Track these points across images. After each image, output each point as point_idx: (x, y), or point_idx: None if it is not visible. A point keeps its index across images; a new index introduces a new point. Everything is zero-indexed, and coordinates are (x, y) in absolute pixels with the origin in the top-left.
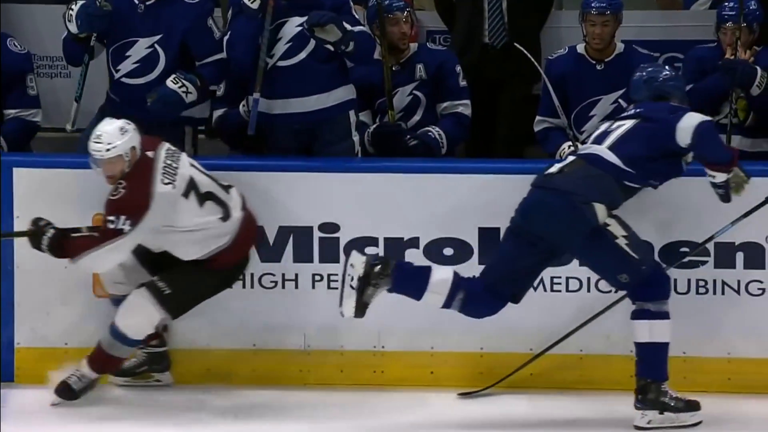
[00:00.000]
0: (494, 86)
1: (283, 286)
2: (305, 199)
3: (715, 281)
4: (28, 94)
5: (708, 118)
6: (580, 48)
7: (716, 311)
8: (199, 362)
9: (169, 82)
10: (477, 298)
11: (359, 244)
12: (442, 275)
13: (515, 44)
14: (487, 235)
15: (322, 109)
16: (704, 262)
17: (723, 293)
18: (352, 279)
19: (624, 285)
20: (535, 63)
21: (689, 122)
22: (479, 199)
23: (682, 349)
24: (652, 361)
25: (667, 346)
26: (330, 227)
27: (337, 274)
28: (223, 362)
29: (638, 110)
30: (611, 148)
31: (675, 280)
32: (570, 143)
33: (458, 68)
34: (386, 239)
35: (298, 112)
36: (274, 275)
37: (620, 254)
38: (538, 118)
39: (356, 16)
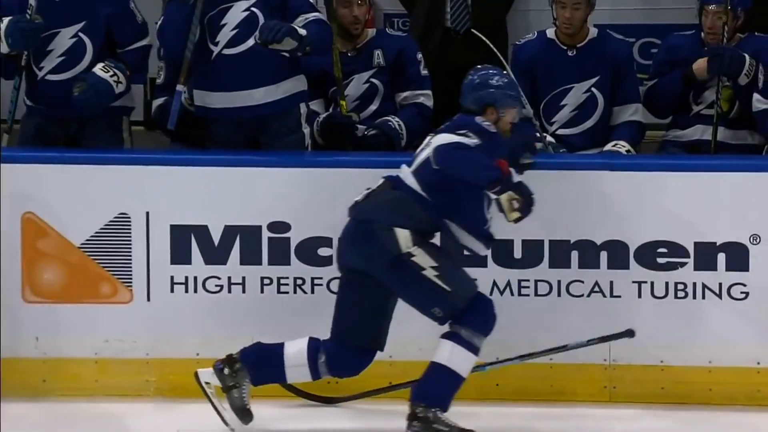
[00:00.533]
0: (457, 74)
1: (230, 291)
2: (253, 196)
3: (695, 284)
4: None
5: (456, 139)
6: (550, 33)
7: (697, 317)
8: (142, 374)
9: (99, 71)
10: (338, 358)
11: (312, 244)
12: (296, 347)
13: (473, 31)
14: None
15: (269, 102)
16: (683, 264)
17: (704, 297)
18: (215, 395)
19: (441, 319)
20: (496, 51)
21: (434, 143)
22: None
23: (660, 357)
24: (439, 386)
25: (460, 380)
26: (280, 227)
27: (288, 277)
28: (165, 374)
29: (448, 124)
30: (414, 171)
31: (652, 282)
32: (537, 135)
33: (419, 56)
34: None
35: (244, 105)
36: (219, 279)
37: (428, 286)
38: None
39: (310, 1)
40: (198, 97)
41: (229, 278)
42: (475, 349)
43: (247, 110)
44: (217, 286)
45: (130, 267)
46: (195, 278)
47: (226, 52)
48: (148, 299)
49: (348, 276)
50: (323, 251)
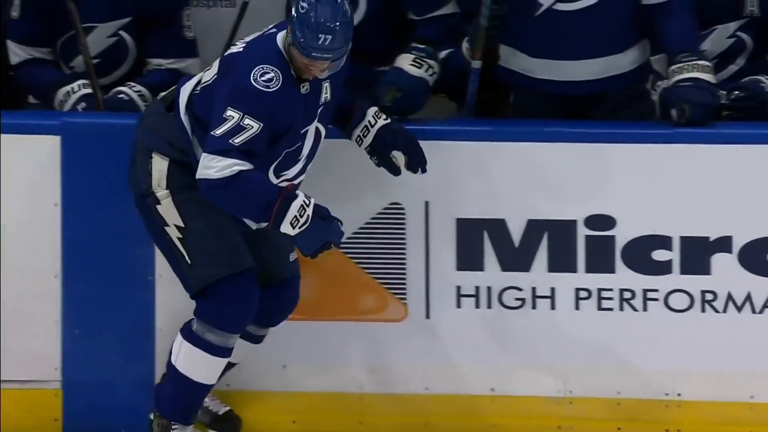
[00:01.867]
0: None
1: (534, 306)
2: (567, 181)
3: None
4: (183, 37)
5: (214, 166)
6: None
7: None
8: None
9: (409, 68)
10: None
11: (641, 245)
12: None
13: None
14: None
15: (610, 77)
16: None
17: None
18: None
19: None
20: None
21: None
22: None
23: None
24: (170, 393)
25: (198, 387)
26: (598, 222)
27: (611, 289)
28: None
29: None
30: (195, 95)
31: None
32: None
33: None
34: (683, 239)
35: (573, 80)
36: (521, 290)
37: (170, 249)
38: None
39: None
40: (510, 58)
41: (534, 288)
42: (211, 348)
43: (576, 86)
44: (517, 299)
45: (405, 275)
46: (489, 289)
47: (560, 7)
48: (428, 316)
49: None
50: (659, 254)
